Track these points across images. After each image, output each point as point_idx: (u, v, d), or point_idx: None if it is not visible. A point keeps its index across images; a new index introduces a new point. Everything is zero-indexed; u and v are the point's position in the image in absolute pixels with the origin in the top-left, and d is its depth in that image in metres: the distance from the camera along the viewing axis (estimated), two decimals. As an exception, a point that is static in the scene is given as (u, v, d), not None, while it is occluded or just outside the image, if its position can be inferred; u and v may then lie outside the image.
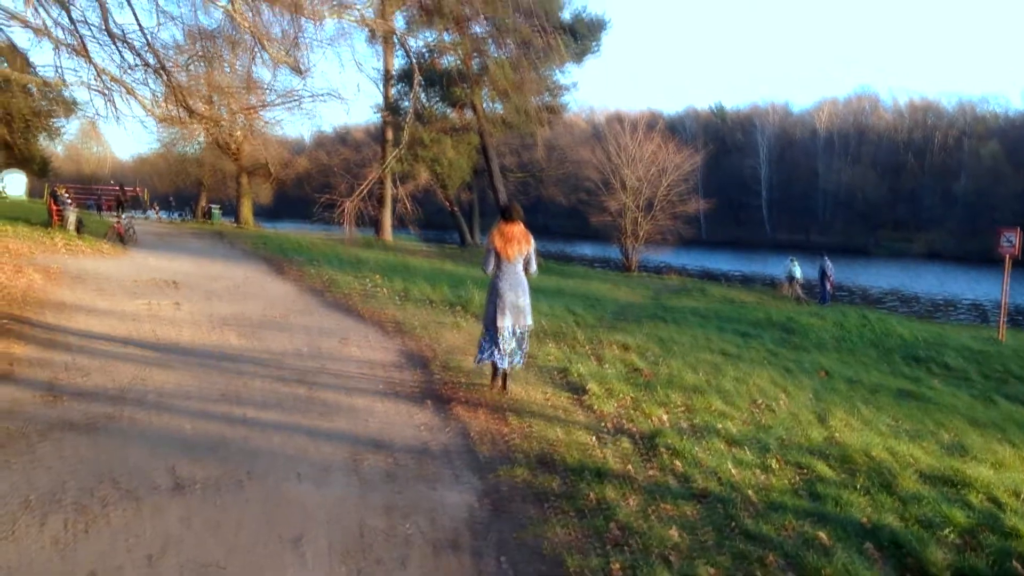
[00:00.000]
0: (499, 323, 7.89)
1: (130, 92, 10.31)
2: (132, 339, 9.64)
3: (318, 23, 9.16)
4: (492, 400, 7.82)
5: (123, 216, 24.82)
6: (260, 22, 8.59)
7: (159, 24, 10.33)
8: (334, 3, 8.81)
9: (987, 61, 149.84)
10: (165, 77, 9.82)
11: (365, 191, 9.90)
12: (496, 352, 7.99)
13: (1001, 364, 15.14)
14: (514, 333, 8.01)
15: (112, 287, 13.53)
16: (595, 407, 7.84)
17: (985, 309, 37.36)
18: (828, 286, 27.38)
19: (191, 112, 10.80)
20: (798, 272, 28.37)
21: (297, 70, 10.78)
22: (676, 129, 78.77)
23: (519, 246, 7.96)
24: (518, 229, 8.03)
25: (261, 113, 49.95)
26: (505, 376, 8.24)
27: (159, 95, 10.31)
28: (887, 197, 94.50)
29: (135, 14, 9.74)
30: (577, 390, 8.49)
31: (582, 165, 51.26)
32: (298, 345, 9.95)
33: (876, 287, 44.91)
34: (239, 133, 47.46)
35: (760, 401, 8.93)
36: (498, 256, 7.94)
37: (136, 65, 9.45)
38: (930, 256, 77.71)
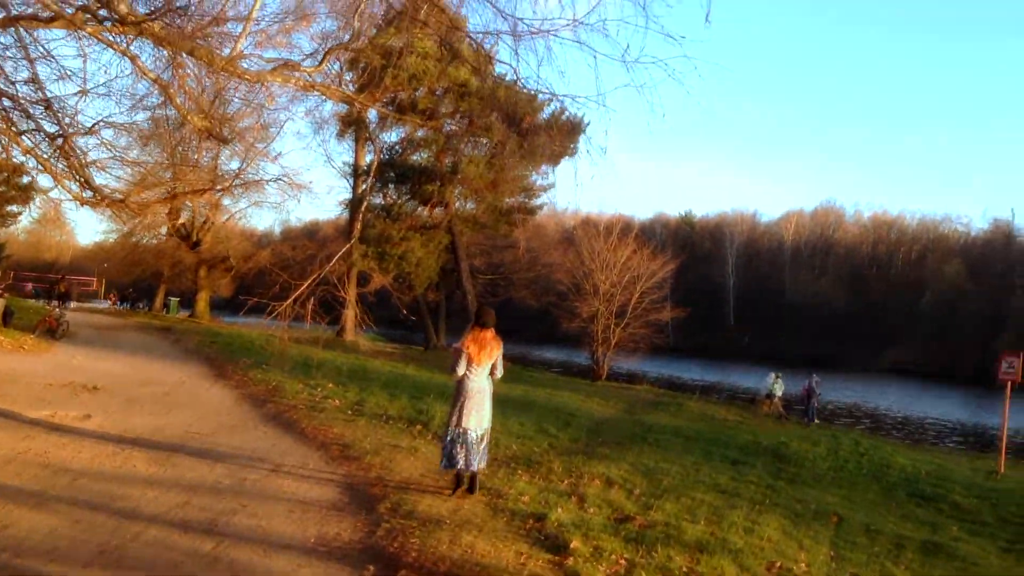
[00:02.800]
0: (464, 424, 8.00)
1: (44, 167, 8.80)
2: (14, 461, 7.89)
3: (264, 86, 7.93)
4: (447, 558, 6.13)
5: (57, 307, 22.97)
6: (180, 78, 7.22)
7: (59, 78, 8.88)
8: (276, 64, 7.49)
9: (950, 181, 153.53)
10: (62, 143, 8.35)
11: (308, 290, 8.49)
12: (461, 455, 8.01)
13: (1016, 505, 13.66)
14: (478, 434, 8.08)
15: (16, 391, 11.74)
16: (581, 574, 6.19)
17: (964, 431, 36.40)
18: (814, 404, 26.06)
19: (93, 189, 9.26)
20: (779, 390, 27.02)
21: (222, 139, 9.39)
22: (646, 235, 78.47)
23: (490, 351, 8.13)
24: (490, 334, 8.18)
25: (226, 204, 48.87)
26: (474, 477, 8.28)
27: (62, 170, 8.84)
28: (853, 310, 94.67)
29: (31, 65, 8.34)
30: (558, 547, 6.83)
31: (553, 268, 50.16)
32: (218, 476, 8.22)
33: (848, 401, 43.67)
34: (180, 221, 45.95)
35: (779, 563, 7.32)
36: (469, 361, 8.03)
37: (30, 130, 7.97)
38: (895, 371, 77.15)
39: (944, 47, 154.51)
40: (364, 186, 40.15)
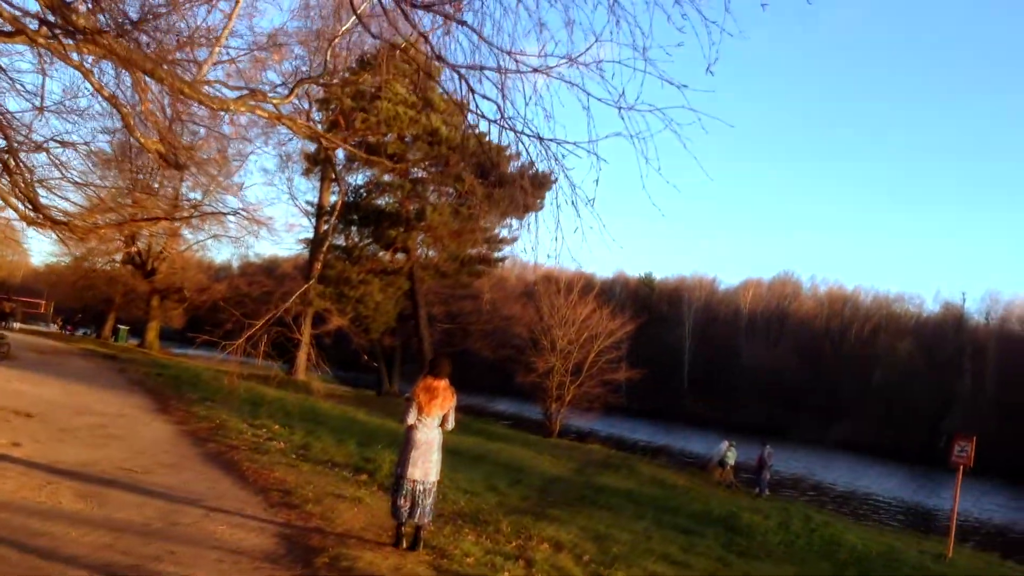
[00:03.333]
0: (410, 475, 7.79)
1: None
2: (-71, 491, 7.40)
3: (229, 115, 7.71)
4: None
5: (-1, 328, 22.18)
6: (143, 103, 6.93)
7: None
8: (242, 92, 7.25)
9: (903, 260, 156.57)
10: (7, 159, 7.98)
11: (263, 328, 8.18)
12: (406, 507, 7.79)
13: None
14: (424, 487, 7.85)
15: (-56, 414, 11.19)
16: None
17: (908, 510, 36.60)
18: (766, 475, 25.90)
19: (38, 209, 8.83)
20: (732, 459, 26.84)
21: (176, 165, 9.08)
22: (606, 294, 78.61)
23: (442, 402, 7.94)
24: (443, 385, 8.00)
25: (185, 235, 48.17)
26: (418, 532, 7.93)
27: (4, 186, 8.45)
28: (806, 382, 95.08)
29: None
30: (502, 616, 6.51)
31: (512, 321, 49.90)
32: (149, 516, 7.78)
33: (796, 472, 43.70)
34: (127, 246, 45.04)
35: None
36: (419, 410, 7.87)
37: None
38: (845, 445, 77.50)
39: (904, 117, 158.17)
40: (326, 226, 39.81)
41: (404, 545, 7.87)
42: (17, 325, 44.94)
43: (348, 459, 12.75)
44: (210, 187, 37.68)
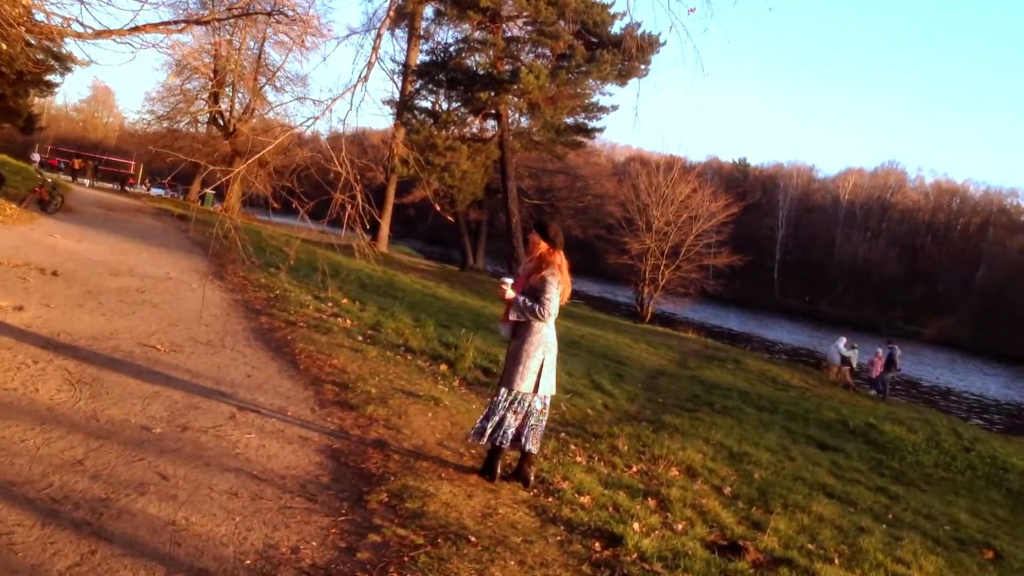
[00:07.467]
0: (542, 389, 5.52)
1: None
2: None
3: None
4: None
5: (47, 179, 20.43)
6: None
7: None
8: None
9: (1018, 154, 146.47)
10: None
11: (348, 195, 6.24)
12: (512, 427, 5.53)
13: None
14: (547, 402, 5.69)
15: (-54, 266, 9.34)
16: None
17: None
18: (890, 377, 23.25)
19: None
20: (855, 359, 24.16)
21: None
22: (699, 178, 74.90)
23: None
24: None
25: (270, 99, 46.47)
26: (526, 462, 5.72)
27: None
28: (903, 277, 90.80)
29: None
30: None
31: (604, 200, 47.14)
32: (152, 416, 5.72)
33: (911, 376, 40.71)
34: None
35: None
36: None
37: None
38: (940, 343, 73.78)
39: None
40: (413, 87, 37.14)
41: (498, 479, 5.68)
42: (87, 183, 44.49)
43: (425, 344, 10.60)
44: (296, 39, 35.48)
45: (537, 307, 5.41)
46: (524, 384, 5.46)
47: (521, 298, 5.47)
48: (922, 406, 24.49)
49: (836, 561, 5.75)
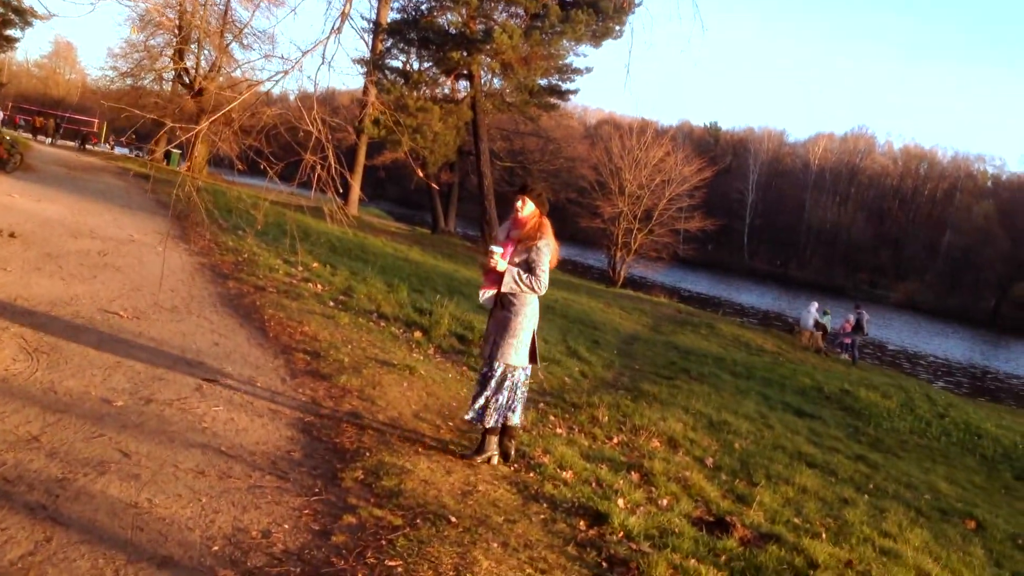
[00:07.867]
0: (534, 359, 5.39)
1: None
2: None
3: None
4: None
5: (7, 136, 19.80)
6: None
7: None
8: None
9: (986, 120, 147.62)
10: None
11: (317, 156, 5.91)
12: (501, 400, 5.27)
13: None
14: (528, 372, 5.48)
15: None
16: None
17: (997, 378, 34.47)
18: (857, 341, 23.40)
19: None
20: (829, 323, 24.24)
21: None
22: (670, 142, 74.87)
23: None
24: None
25: (234, 52, 45.52)
26: (507, 436, 5.44)
27: None
28: (871, 241, 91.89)
29: None
30: (629, 583, 4.12)
31: (577, 163, 46.74)
32: (114, 387, 5.43)
33: (879, 339, 41.12)
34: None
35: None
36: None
37: None
38: (907, 307, 74.73)
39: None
40: (383, 46, 36.35)
41: (484, 458, 5.40)
42: (48, 140, 43.41)
43: (398, 311, 10.33)
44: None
45: (534, 280, 5.16)
46: (518, 358, 5.22)
47: (515, 270, 5.19)
48: (891, 370, 24.68)
49: (823, 536, 5.62)
